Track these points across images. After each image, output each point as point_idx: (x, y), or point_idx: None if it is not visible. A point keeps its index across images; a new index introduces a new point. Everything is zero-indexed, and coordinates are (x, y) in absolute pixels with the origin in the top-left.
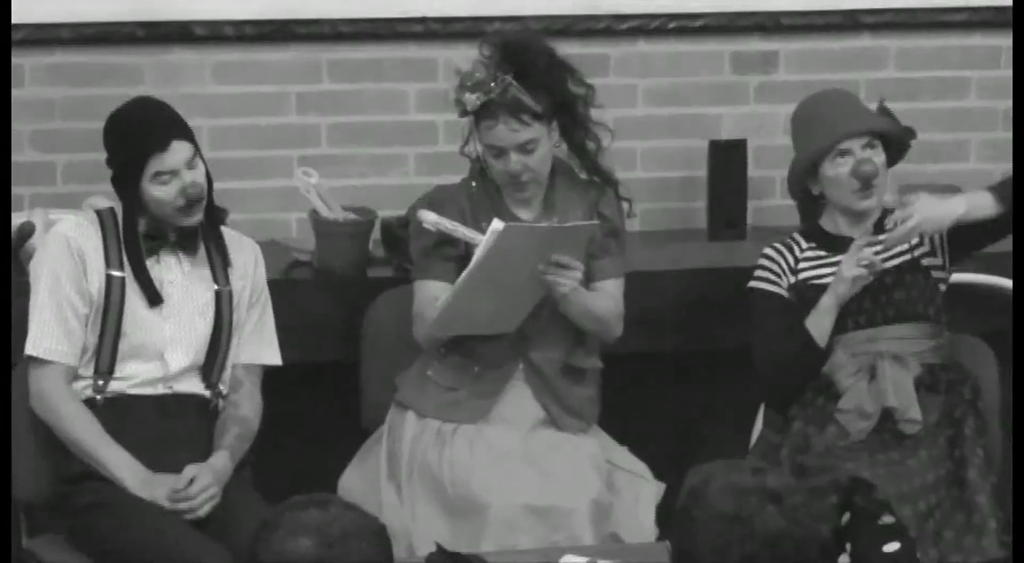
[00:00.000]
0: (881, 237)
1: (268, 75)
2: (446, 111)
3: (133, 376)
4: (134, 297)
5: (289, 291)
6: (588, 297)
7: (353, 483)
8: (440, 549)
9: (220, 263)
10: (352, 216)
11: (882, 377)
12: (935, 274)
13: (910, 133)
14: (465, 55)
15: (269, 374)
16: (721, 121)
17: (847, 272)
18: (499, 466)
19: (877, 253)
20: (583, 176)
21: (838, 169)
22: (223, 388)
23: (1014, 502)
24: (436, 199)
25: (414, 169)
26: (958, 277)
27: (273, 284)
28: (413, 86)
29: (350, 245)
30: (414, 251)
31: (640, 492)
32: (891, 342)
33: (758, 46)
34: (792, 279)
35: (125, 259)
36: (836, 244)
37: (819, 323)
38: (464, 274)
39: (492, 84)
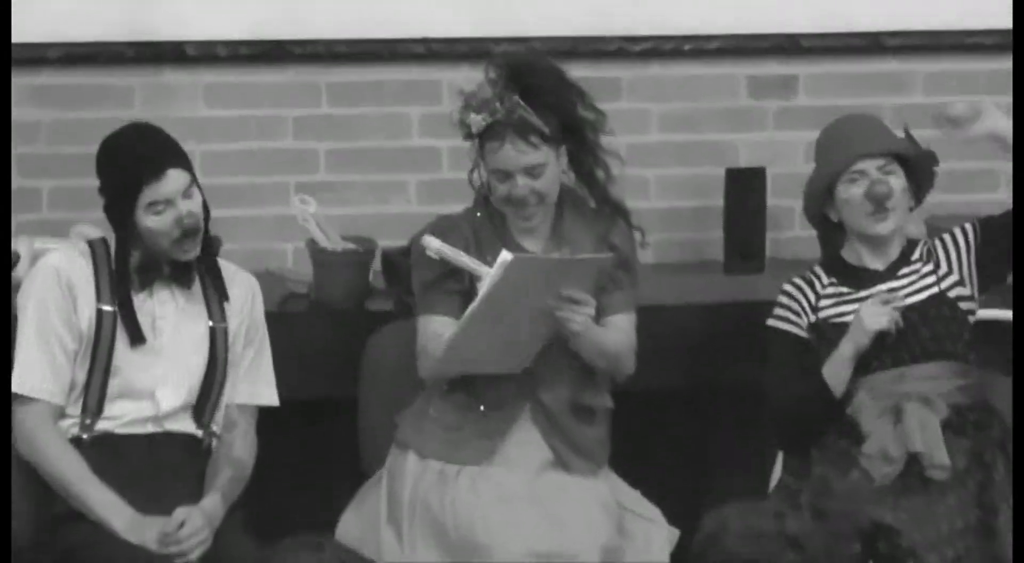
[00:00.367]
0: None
1: (263, 98)
2: (450, 136)
3: (122, 415)
4: (125, 333)
5: (285, 324)
6: (600, 333)
7: (351, 526)
8: None
9: (216, 298)
10: (351, 246)
11: (908, 420)
12: (963, 306)
13: (931, 158)
14: (469, 77)
15: (263, 412)
16: (738, 148)
17: (869, 324)
18: (504, 509)
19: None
20: (592, 205)
21: (852, 191)
22: (216, 428)
23: (1014, 502)
24: (439, 228)
25: (416, 197)
26: (986, 313)
27: (268, 317)
28: (415, 109)
29: (349, 276)
30: (416, 285)
31: (652, 537)
32: (917, 382)
33: (777, 70)
34: (812, 317)
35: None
36: (859, 278)
37: (837, 372)
38: (471, 308)
39: (498, 104)
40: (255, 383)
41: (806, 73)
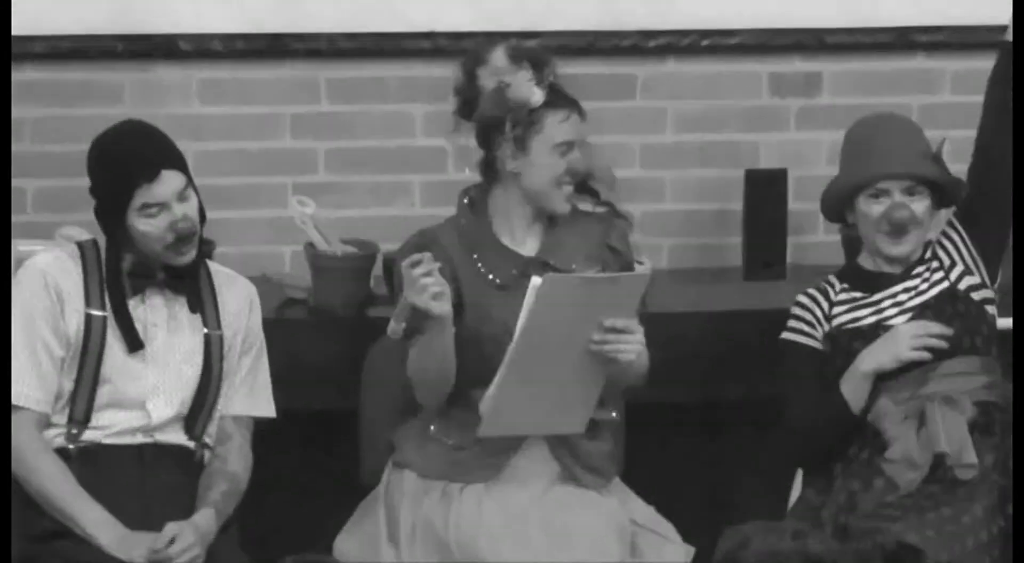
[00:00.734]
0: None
1: (260, 95)
2: (455, 135)
3: (111, 425)
4: (115, 340)
5: (282, 332)
6: (645, 357)
7: (350, 544)
8: None
9: (211, 305)
10: (352, 250)
11: (932, 422)
12: (976, 296)
13: (959, 186)
14: None
15: (259, 423)
16: (758, 149)
17: (903, 353)
18: (510, 528)
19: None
20: (587, 208)
21: (872, 208)
22: (209, 440)
23: (1014, 503)
24: (421, 245)
25: (420, 199)
26: (1009, 322)
27: (265, 324)
28: (419, 108)
29: (349, 282)
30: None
31: (666, 556)
32: (940, 381)
33: (800, 67)
34: (827, 327)
35: (107, 298)
36: (873, 283)
37: (856, 388)
38: (509, 351)
39: (549, 75)
40: (251, 394)
41: (830, 70)
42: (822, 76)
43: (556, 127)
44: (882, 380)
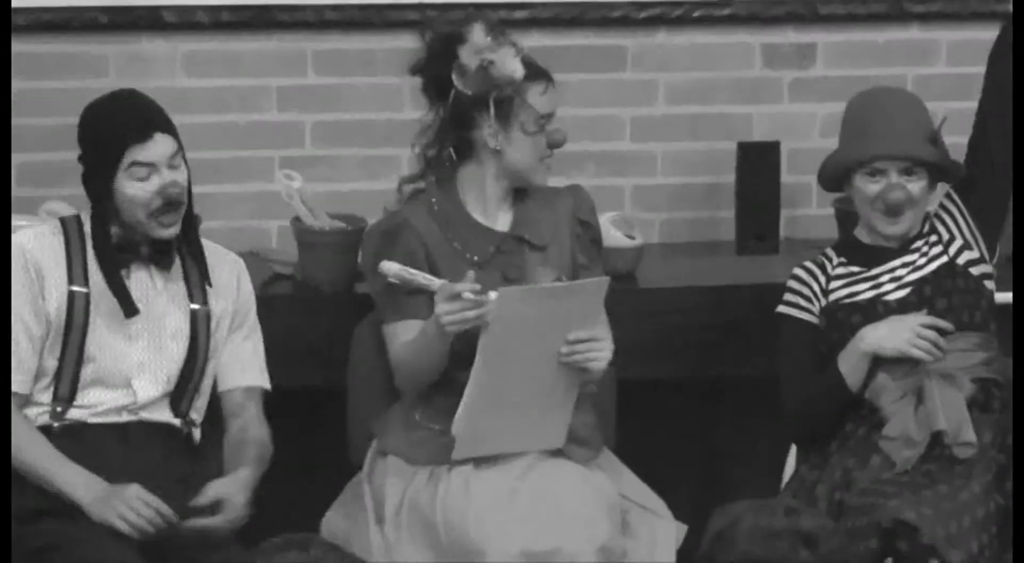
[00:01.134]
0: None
1: (246, 67)
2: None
3: (96, 404)
4: (99, 317)
5: (269, 308)
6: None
7: (337, 523)
8: None
9: (198, 280)
10: (339, 225)
11: (930, 399)
12: (975, 271)
13: (957, 168)
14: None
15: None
16: (751, 121)
17: (904, 347)
18: (497, 508)
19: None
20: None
21: (868, 186)
22: (196, 415)
23: (1014, 505)
24: (392, 228)
25: (409, 172)
26: (1009, 297)
27: None
28: (407, 80)
29: (336, 257)
30: (375, 290)
31: (658, 533)
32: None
33: (793, 38)
34: (824, 301)
35: (91, 273)
36: (871, 257)
37: (854, 365)
38: (473, 370)
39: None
40: (256, 365)
41: (824, 41)
42: (816, 47)
43: (537, 99)
44: (880, 356)
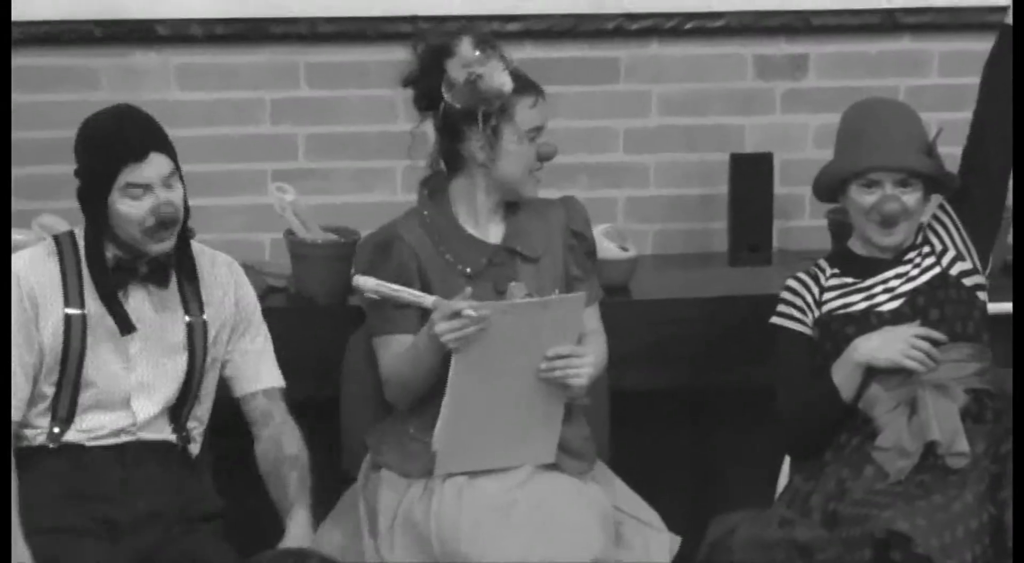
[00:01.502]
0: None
1: (239, 80)
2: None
3: (95, 429)
4: (96, 339)
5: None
6: (599, 359)
7: (332, 535)
8: None
9: (193, 293)
10: (332, 237)
11: (924, 409)
12: (968, 282)
13: (952, 180)
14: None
15: (236, 414)
16: (744, 132)
17: (898, 358)
18: (491, 520)
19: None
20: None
21: (864, 197)
22: (193, 426)
23: (1014, 508)
24: (384, 241)
25: (402, 185)
26: (1003, 307)
27: None
28: (400, 92)
29: (330, 269)
30: (365, 302)
31: (652, 545)
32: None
33: (785, 49)
34: (817, 312)
35: (87, 294)
36: (864, 268)
37: (847, 376)
38: (448, 387)
39: (508, 58)
40: (271, 365)
41: (816, 52)
42: (808, 58)
43: (526, 113)
44: (873, 367)
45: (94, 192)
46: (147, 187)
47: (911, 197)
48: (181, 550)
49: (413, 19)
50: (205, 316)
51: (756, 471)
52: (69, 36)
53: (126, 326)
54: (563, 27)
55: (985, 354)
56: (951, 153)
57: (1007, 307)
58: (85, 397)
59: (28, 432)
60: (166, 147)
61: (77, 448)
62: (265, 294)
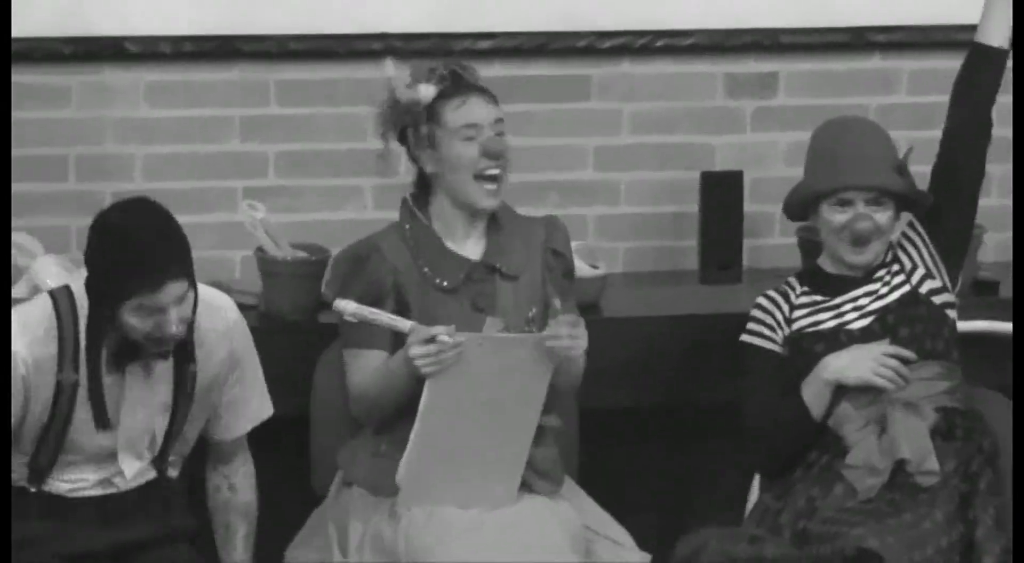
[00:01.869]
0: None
1: (209, 97)
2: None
3: (77, 483)
4: (84, 410)
5: None
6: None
7: (301, 554)
8: None
9: (186, 348)
10: (302, 255)
11: (894, 427)
12: (938, 300)
13: (925, 198)
14: None
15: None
16: (714, 150)
17: (867, 376)
18: (460, 539)
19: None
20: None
21: (836, 216)
22: (172, 463)
23: (1014, 503)
24: (363, 253)
25: (372, 202)
26: (974, 325)
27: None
28: (371, 110)
29: (300, 287)
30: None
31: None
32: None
33: (755, 67)
34: (787, 330)
35: (82, 359)
36: (834, 286)
37: (817, 394)
38: (417, 419)
39: (442, 69)
40: (244, 412)
41: (786, 71)
42: (778, 76)
43: (453, 113)
44: (843, 385)
45: (102, 300)
46: (160, 309)
47: (883, 215)
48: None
49: (383, 37)
50: (194, 369)
51: (726, 488)
52: (39, 53)
53: (102, 421)
54: (534, 45)
55: (955, 372)
56: (920, 171)
57: (977, 325)
58: (66, 458)
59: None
60: (183, 270)
61: (57, 498)
62: None
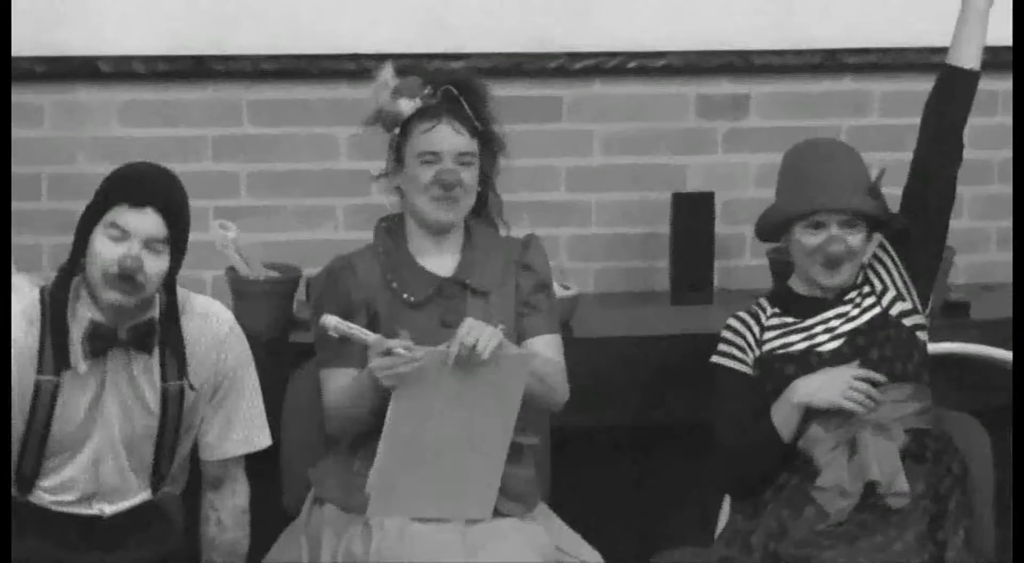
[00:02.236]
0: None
1: (182, 117)
2: (379, 159)
3: (61, 493)
4: (63, 408)
5: None
6: (565, 383)
7: None
8: None
9: (174, 358)
10: (274, 274)
11: (864, 449)
12: (908, 322)
13: (898, 220)
14: None
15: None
16: (686, 172)
17: (837, 400)
18: (432, 559)
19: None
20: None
21: (808, 238)
22: (168, 490)
23: (1014, 504)
24: (338, 271)
25: (344, 223)
26: (946, 347)
27: None
28: (343, 130)
29: (271, 307)
30: (315, 334)
31: None
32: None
33: (727, 88)
34: (758, 352)
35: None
36: (805, 307)
37: (786, 416)
38: (384, 429)
39: (430, 89)
40: (233, 433)
41: (758, 92)
42: (750, 98)
43: (420, 136)
44: (813, 408)
45: (84, 220)
46: (127, 234)
47: (855, 238)
48: None
49: (356, 57)
50: (184, 382)
51: (697, 509)
52: (13, 73)
53: (63, 363)
54: (506, 66)
55: (925, 394)
56: (892, 193)
57: (946, 347)
58: (48, 464)
59: None
60: (171, 215)
61: (42, 511)
62: None
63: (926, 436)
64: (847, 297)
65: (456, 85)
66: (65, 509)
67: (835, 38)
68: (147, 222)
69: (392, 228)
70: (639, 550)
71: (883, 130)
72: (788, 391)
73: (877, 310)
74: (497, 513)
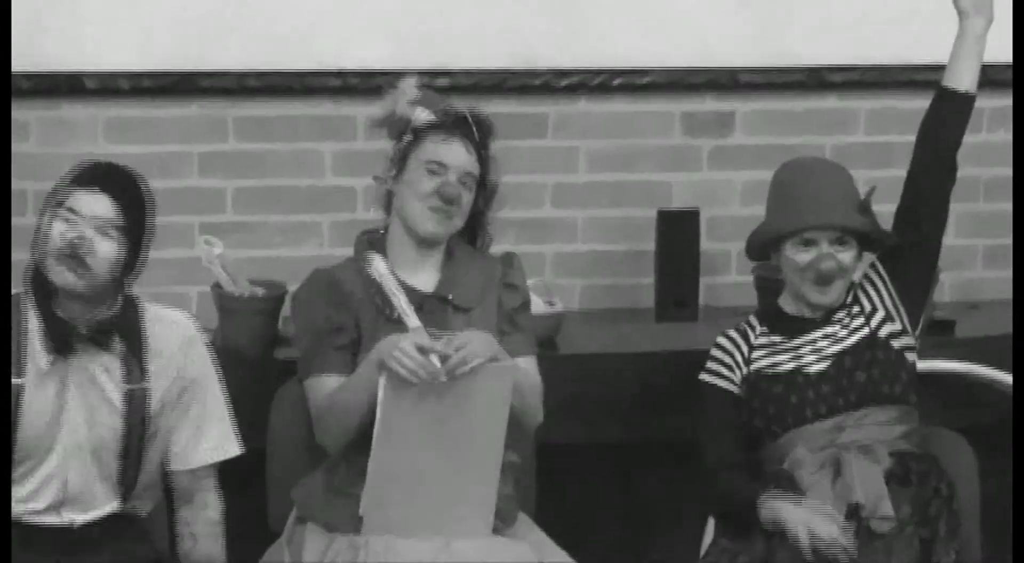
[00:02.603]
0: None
1: (167, 133)
2: (364, 175)
3: (31, 500)
4: (29, 410)
5: None
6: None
7: None
8: None
9: (136, 360)
10: (259, 291)
11: (848, 471)
12: (897, 344)
13: (888, 237)
14: None
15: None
16: (671, 189)
17: (823, 532)
18: None
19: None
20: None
21: (799, 256)
22: (140, 501)
23: (1014, 505)
24: (320, 284)
25: (329, 239)
26: (932, 365)
27: None
28: (329, 146)
29: (257, 323)
30: (299, 344)
31: None
32: (856, 430)
33: (712, 106)
34: (746, 370)
35: (30, 357)
36: (793, 327)
37: (770, 520)
38: (372, 448)
39: (447, 108)
40: (202, 442)
41: (743, 110)
42: (735, 115)
43: (431, 145)
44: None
45: (42, 213)
46: (78, 215)
47: (846, 255)
48: None
49: (341, 74)
50: (145, 384)
51: (682, 527)
52: None
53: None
54: (491, 83)
55: (911, 416)
56: (879, 211)
57: (932, 365)
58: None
59: None
60: (127, 206)
61: (15, 521)
62: None
63: (911, 458)
64: (835, 317)
65: (472, 114)
66: (36, 519)
67: (820, 56)
68: (98, 205)
69: (374, 242)
70: None
71: (868, 148)
72: (775, 507)
73: (865, 331)
74: None
